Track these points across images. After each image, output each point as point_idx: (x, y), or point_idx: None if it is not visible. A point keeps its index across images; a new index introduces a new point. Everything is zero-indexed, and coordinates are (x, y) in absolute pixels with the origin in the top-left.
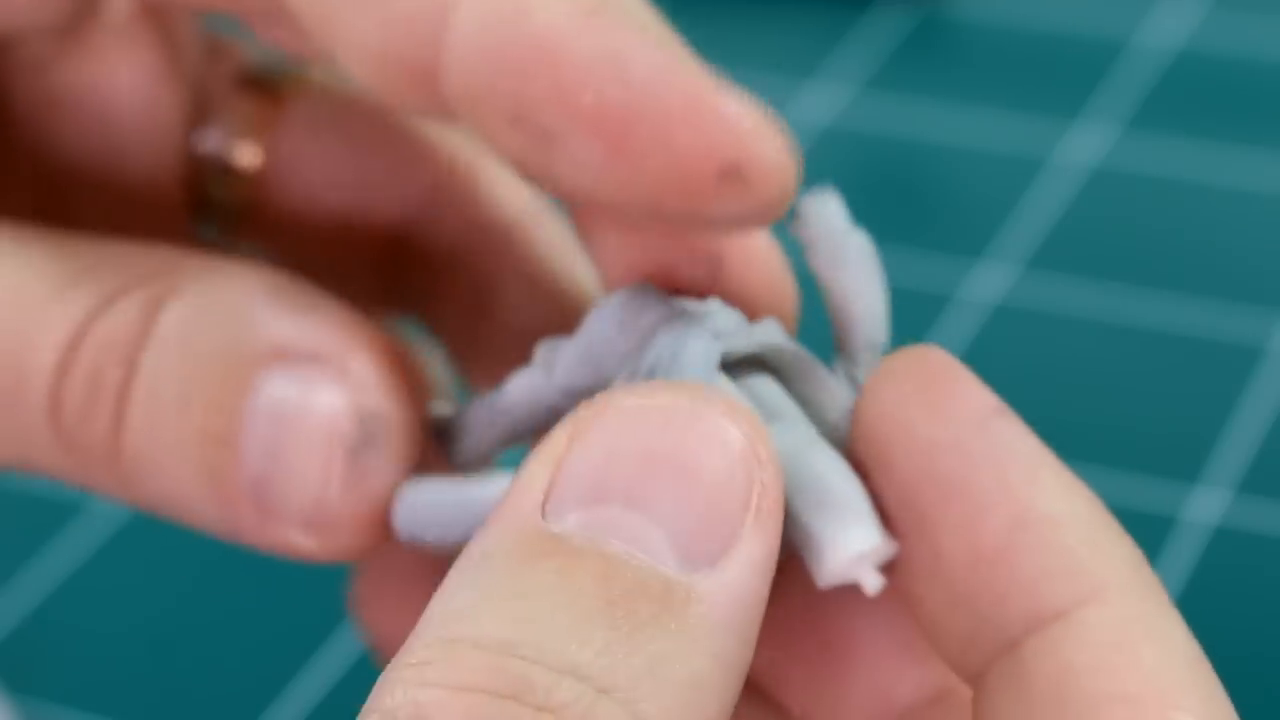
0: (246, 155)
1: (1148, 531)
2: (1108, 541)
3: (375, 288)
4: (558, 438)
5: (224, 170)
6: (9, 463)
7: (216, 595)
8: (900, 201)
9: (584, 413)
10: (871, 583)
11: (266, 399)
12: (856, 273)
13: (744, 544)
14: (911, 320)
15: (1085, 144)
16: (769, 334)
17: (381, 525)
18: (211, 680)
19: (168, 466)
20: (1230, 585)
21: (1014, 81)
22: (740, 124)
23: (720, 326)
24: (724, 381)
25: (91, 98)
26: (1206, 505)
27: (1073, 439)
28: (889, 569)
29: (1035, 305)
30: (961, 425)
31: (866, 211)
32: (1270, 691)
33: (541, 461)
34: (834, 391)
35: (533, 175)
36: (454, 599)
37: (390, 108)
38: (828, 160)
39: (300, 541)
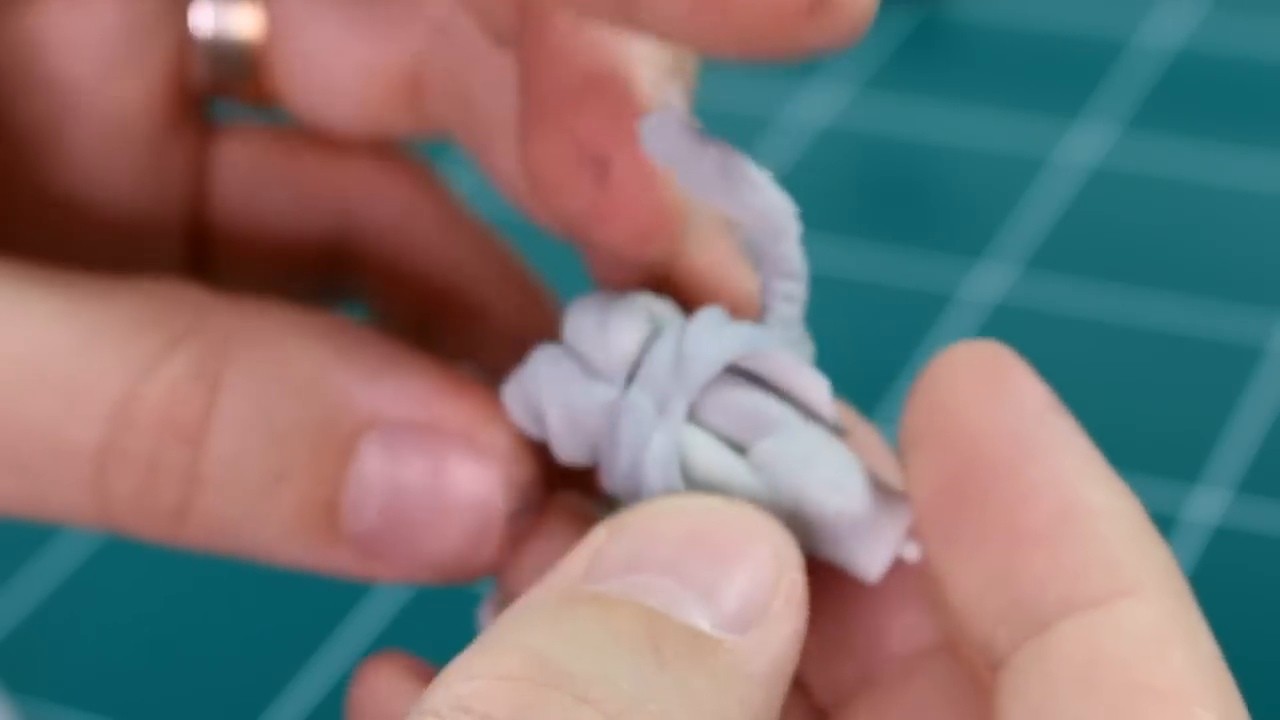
0: (245, 22)
1: None
2: (1147, 541)
3: (401, 127)
4: (598, 532)
5: (228, 44)
6: (25, 515)
7: (216, 595)
8: (900, 201)
9: (625, 513)
10: (910, 554)
11: (377, 467)
12: (726, 184)
13: (773, 619)
14: (911, 320)
15: (1085, 144)
16: (715, 348)
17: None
18: (211, 680)
19: (252, 532)
20: (1230, 585)
21: (1014, 81)
22: None
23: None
24: (698, 448)
25: (59, 38)
26: (1206, 505)
27: None
28: (925, 543)
29: (1035, 305)
30: (1019, 415)
31: (866, 211)
32: (1270, 691)
33: (581, 551)
34: (789, 365)
35: (618, 26)
36: (496, 627)
37: None
38: (828, 160)
39: (421, 578)
